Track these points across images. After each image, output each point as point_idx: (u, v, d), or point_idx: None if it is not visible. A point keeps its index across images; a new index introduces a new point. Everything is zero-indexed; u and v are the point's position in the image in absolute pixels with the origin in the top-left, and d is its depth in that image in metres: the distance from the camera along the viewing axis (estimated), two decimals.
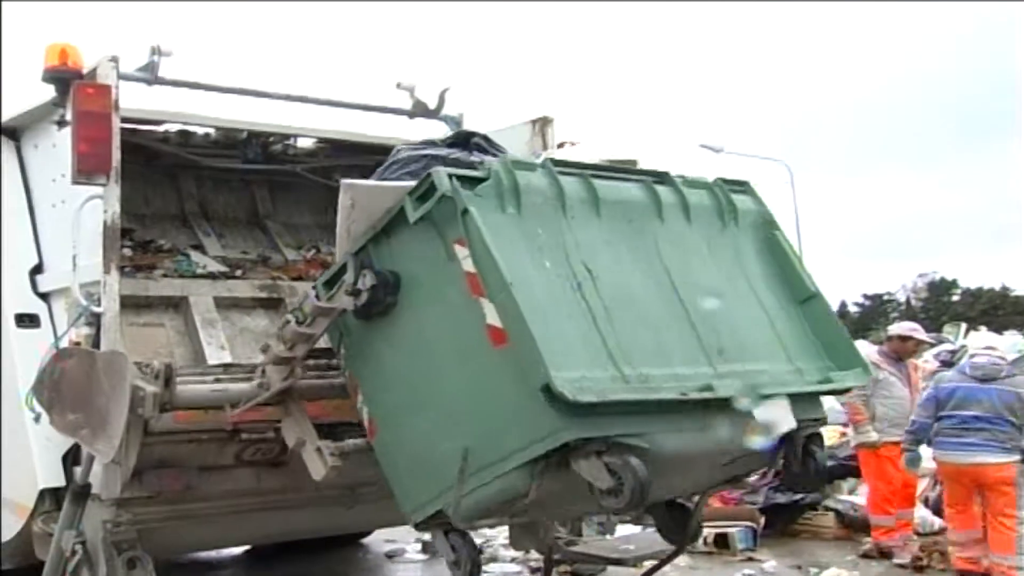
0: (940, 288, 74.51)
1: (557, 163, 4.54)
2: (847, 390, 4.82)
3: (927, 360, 12.85)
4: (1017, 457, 7.14)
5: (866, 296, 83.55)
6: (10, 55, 5.39)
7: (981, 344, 8.39)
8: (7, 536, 5.95)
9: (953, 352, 12.69)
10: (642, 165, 5.35)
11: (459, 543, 4.39)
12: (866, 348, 14.51)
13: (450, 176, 4.12)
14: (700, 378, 4.15)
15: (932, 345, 11.66)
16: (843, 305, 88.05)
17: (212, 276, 6.21)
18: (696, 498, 5.21)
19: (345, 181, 4.76)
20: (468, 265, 4.01)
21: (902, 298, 78.30)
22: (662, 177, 4.76)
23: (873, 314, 75.50)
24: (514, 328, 3.83)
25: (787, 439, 4.41)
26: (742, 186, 5.06)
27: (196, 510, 5.41)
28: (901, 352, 8.88)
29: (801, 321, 4.73)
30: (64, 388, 4.99)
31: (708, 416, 4.16)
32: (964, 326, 14.55)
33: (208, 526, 5.62)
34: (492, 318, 3.93)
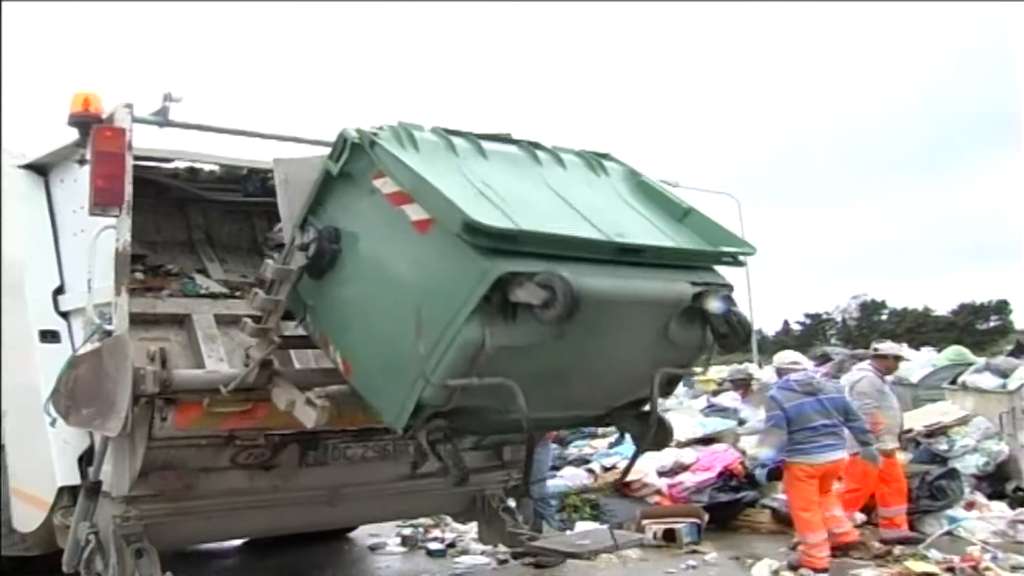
0: (871, 309, 74.80)
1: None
2: (739, 258, 4.77)
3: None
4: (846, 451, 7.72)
5: (807, 315, 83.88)
6: (44, 101, 5.41)
7: (787, 361, 8.38)
8: (32, 527, 5.94)
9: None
10: None
11: (446, 452, 4.26)
12: (806, 362, 14.76)
13: (356, 129, 4.39)
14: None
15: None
16: (786, 323, 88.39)
17: (213, 296, 6.22)
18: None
19: (276, 158, 5.12)
20: (387, 187, 4.26)
21: (838, 318, 78.66)
22: (535, 143, 4.94)
23: (813, 331, 75.82)
24: (434, 204, 4.02)
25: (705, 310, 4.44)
26: (605, 155, 5.21)
27: (196, 507, 5.41)
28: (891, 368, 9.27)
29: (687, 230, 4.74)
30: (77, 392, 5.05)
31: (623, 269, 4.27)
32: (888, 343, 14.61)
33: (207, 521, 5.60)
34: (415, 214, 4.13)
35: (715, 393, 14.94)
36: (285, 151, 6.47)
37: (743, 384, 13.19)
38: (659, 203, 4.93)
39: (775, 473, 8.35)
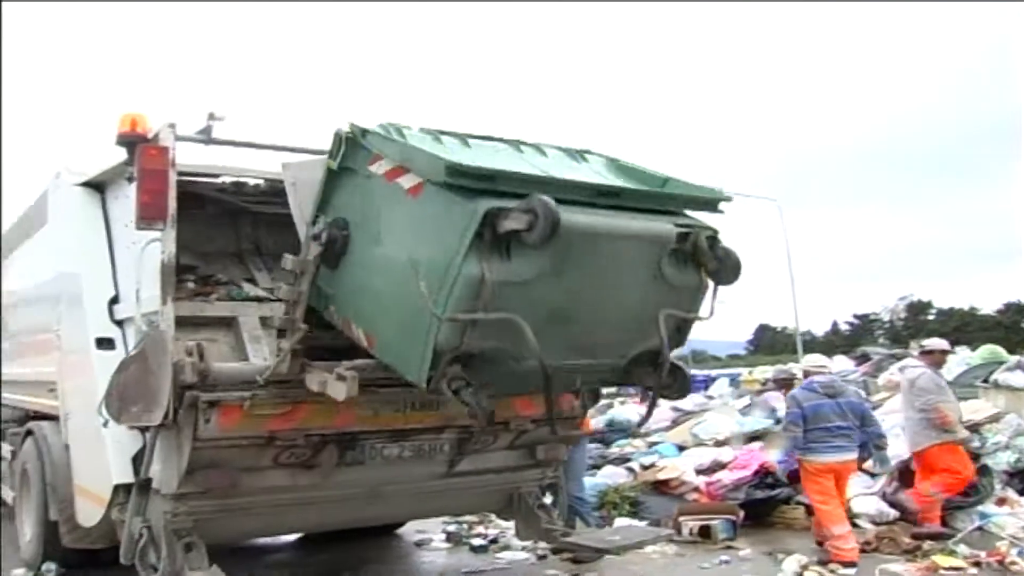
0: (917, 309, 73.68)
1: None
2: (717, 205, 4.90)
3: (892, 373, 12.79)
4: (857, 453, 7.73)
5: (855, 316, 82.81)
6: (106, 121, 5.53)
7: (815, 363, 8.33)
8: (93, 522, 6.11)
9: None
10: None
11: (469, 395, 4.26)
12: (844, 364, 14.55)
13: (348, 124, 4.72)
14: None
15: None
16: (835, 324, 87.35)
17: (259, 299, 6.29)
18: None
19: (283, 163, 5.40)
20: (382, 168, 4.54)
21: (885, 318, 77.57)
22: (519, 140, 5.16)
23: (861, 332, 74.80)
24: (421, 165, 4.30)
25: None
26: (587, 150, 5.40)
27: (241, 504, 5.48)
28: (940, 363, 9.15)
29: (666, 192, 4.96)
30: (126, 393, 5.17)
31: (604, 211, 4.44)
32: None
33: (252, 518, 5.67)
34: (408, 182, 4.39)
35: (759, 392, 14.74)
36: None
37: (786, 384, 13.01)
38: (639, 175, 5.16)
39: (794, 475, 8.24)
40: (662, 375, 4.78)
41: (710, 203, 4.90)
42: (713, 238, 4.74)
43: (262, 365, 5.13)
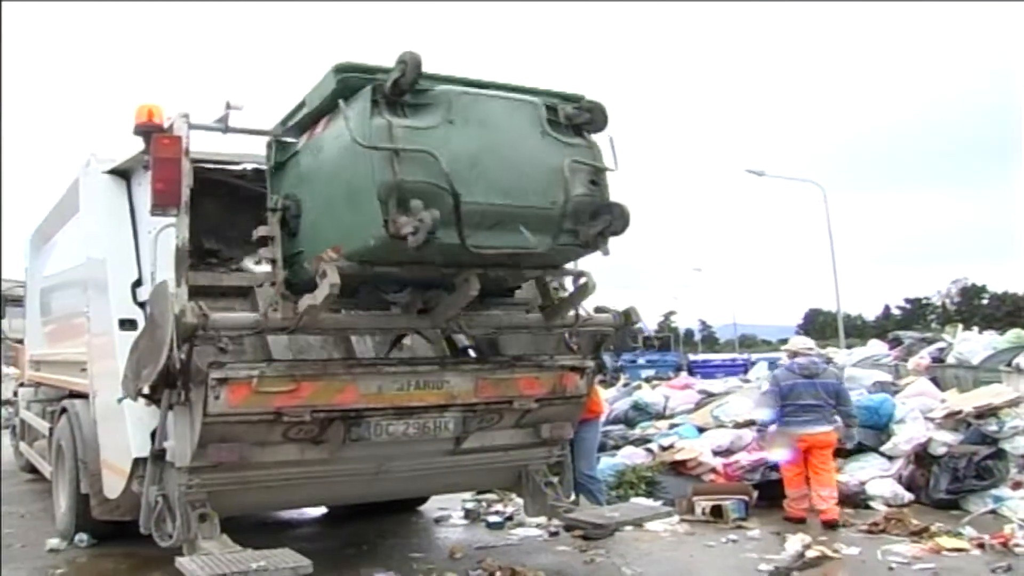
0: (971, 293, 72.46)
1: None
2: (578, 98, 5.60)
3: (922, 356, 12.81)
4: (832, 427, 8.53)
5: (907, 300, 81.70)
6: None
7: (802, 345, 9.12)
8: (117, 494, 6.47)
9: (941, 350, 12.64)
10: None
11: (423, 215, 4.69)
12: (878, 348, 14.54)
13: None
14: None
15: None
16: (887, 308, 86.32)
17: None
18: None
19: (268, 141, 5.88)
20: (303, 140, 5.49)
21: (938, 302, 76.45)
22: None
23: (913, 316, 73.85)
24: (320, 99, 5.20)
25: None
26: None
27: (253, 477, 5.73)
28: None
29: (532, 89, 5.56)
30: (140, 365, 5.45)
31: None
32: (960, 327, 14.32)
33: (265, 491, 5.92)
34: (320, 127, 5.33)
35: None
36: None
37: None
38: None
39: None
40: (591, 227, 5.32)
41: (571, 98, 5.56)
42: (578, 104, 5.50)
43: (258, 316, 5.39)
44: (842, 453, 9.19)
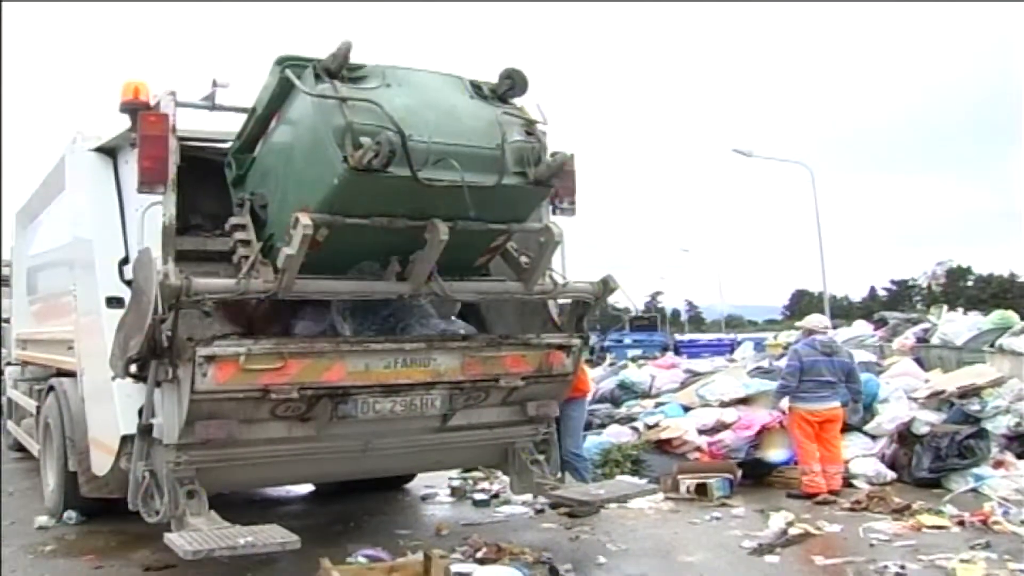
0: (956, 275, 72.81)
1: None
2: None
3: (907, 336, 12.88)
4: (843, 403, 8.83)
5: (893, 281, 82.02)
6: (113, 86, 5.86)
7: (819, 324, 9.51)
8: (105, 471, 6.49)
9: (926, 330, 12.72)
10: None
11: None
12: (863, 328, 14.62)
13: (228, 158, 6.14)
14: None
15: None
16: (872, 289, 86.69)
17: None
18: None
19: None
20: (261, 143, 5.88)
21: (924, 284, 76.79)
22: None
23: (899, 297, 74.18)
24: (268, 94, 5.68)
25: None
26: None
27: (241, 454, 5.76)
28: None
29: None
30: (128, 340, 5.45)
31: None
32: (945, 308, 14.41)
33: (252, 468, 5.96)
34: (275, 121, 5.73)
35: (779, 357, 14.89)
36: None
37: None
38: None
39: None
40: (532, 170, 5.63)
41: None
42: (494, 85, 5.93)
43: (233, 283, 5.40)
44: None
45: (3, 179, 12.31)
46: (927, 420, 9.37)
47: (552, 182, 5.80)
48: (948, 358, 11.37)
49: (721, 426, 9.97)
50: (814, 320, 9.60)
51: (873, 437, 9.48)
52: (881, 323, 15.10)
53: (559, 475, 7.07)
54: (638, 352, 29.18)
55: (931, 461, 8.86)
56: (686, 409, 10.69)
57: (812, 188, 32.97)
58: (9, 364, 12.16)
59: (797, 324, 9.53)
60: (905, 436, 9.38)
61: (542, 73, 6.01)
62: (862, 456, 9.22)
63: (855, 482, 8.89)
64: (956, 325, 12.01)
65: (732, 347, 29.33)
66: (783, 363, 11.83)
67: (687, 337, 51.87)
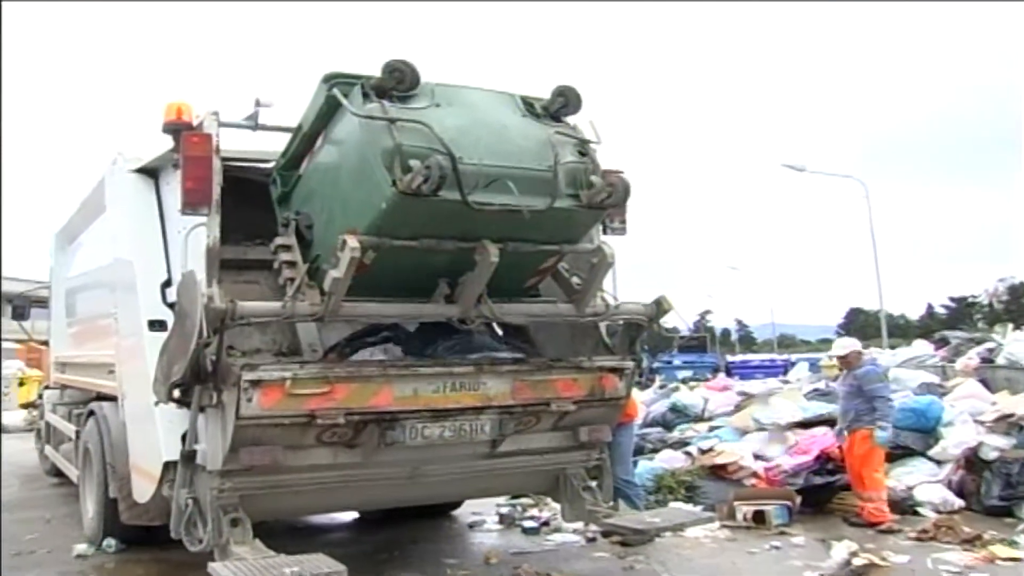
0: (1019, 292, 71.60)
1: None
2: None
3: (971, 356, 12.68)
4: None
5: (951, 299, 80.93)
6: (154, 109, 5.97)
7: (859, 347, 9.45)
8: (147, 498, 6.51)
9: (991, 350, 12.51)
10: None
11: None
12: (923, 348, 14.42)
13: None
14: None
15: None
16: (929, 307, 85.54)
17: None
18: None
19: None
20: (305, 163, 6.04)
21: (985, 301, 75.66)
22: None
23: (959, 315, 73.10)
24: (313, 113, 5.79)
25: None
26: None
27: (286, 482, 5.77)
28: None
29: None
30: (171, 364, 5.49)
31: None
32: (1011, 326, 14.19)
33: (297, 496, 5.97)
34: (320, 141, 5.86)
35: (835, 378, 14.74)
36: None
37: None
38: None
39: None
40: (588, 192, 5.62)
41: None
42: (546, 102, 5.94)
43: (282, 306, 5.44)
44: (889, 457, 9.16)
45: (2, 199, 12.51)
46: (996, 445, 9.18)
47: (607, 204, 5.75)
48: (1016, 379, 11.17)
49: (778, 451, 9.87)
50: (852, 344, 9.38)
51: (938, 462, 9.32)
52: (942, 343, 14.91)
53: (612, 502, 7.03)
54: (688, 374, 29.04)
55: (1001, 488, 8.69)
56: (741, 433, 10.61)
57: (866, 202, 32.72)
58: (47, 388, 12.33)
59: (843, 353, 9.09)
60: (972, 462, 9.21)
61: (588, 85, 5.98)
62: (927, 483, 9.06)
63: (921, 510, 8.73)
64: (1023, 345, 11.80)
65: (786, 368, 29.08)
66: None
67: (738, 358, 51.45)
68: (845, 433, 8.77)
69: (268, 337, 6.39)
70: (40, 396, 13.30)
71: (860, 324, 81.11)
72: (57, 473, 11.23)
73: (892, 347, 21.70)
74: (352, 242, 5.12)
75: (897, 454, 9.26)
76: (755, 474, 9.52)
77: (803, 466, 9.37)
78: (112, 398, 7.48)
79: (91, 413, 8.12)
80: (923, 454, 9.35)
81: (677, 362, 36.52)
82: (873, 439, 8.45)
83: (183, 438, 5.81)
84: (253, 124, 6.23)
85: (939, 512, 8.62)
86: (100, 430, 7.70)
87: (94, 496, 7.89)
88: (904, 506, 8.81)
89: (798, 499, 8.85)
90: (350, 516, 9.09)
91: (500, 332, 6.86)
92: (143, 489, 6.57)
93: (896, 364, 12.99)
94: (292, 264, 5.78)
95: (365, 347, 6.14)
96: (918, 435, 9.48)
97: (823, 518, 8.73)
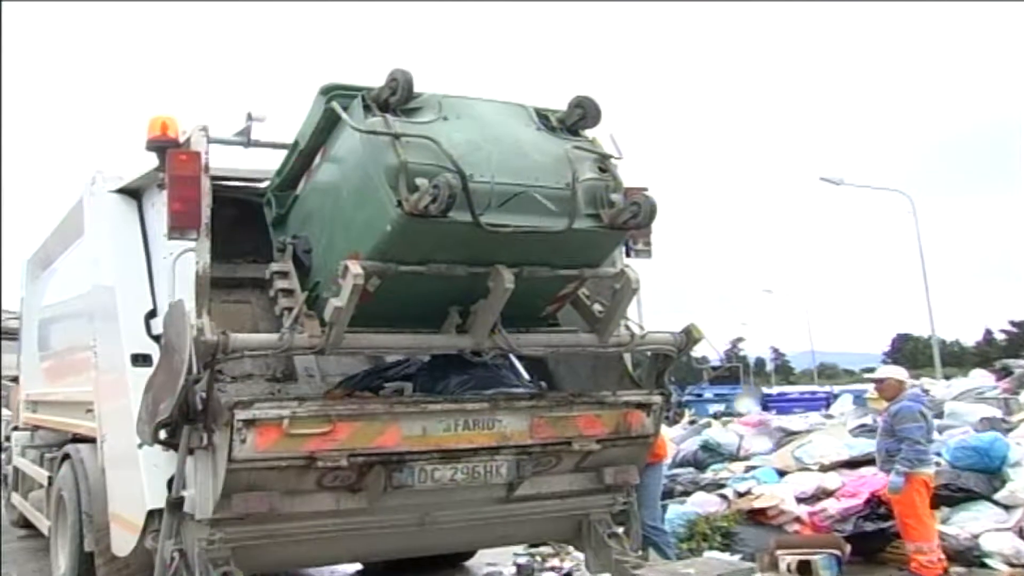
0: None
1: None
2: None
3: None
4: None
5: (1012, 323, 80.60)
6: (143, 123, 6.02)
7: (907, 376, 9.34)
8: (127, 552, 6.49)
9: None
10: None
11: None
12: (983, 379, 14.39)
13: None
14: None
15: None
16: (988, 332, 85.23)
17: None
18: None
19: None
20: (303, 183, 6.06)
21: None
22: None
23: (1021, 341, 72.73)
24: (310, 127, 5.84)
25: None
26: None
27: (283, 530, 5.76)
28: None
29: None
30: (157, 402, 5.50)
31: None
32: None
33: (296, 546, 5.95)
34: (319, 156, 5.90)
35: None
36: None
37: None
38: None
39: None
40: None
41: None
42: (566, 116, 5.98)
43: (279, 337, 5.43)
44: (950, 501, 9.13)
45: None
46: None
47: (631, 224, 5.77)
48: None
49: (823, 494, 9.87)
50: (901, 372, 9.32)
51: (1006, 507, 9.24)
52: (1004, 372, 14.90)
53: (640, 551, 7.02)
54: (721, 408, 28.97)
55: None
56: (781, 474, 10.60)
57: (913, 217, 32.71)
58: (16, 429, 12.31)
59: (880, 377, 9.01)
60: None
61: (608, 96, 6.03)
62: (995, 530, 8.98)
63: (989, 561, 8.67)
64: None
65: (828, 401, 28.97)
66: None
67: (775, 390, 51.28)
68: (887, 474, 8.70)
69: (261, 361, 6.44)
70: (7, 438, 13.28)
71: (909, 351, 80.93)
72: (25, 524, 11.21)
73: (947, 377, 21.67)
74: (355, 268, 5.14)
75: (958, 497, 9.21)
76: (799, 519, 9.51)
77: (852, 510, 9.36)
78: (90, 440, 7.48)
79: (66, 456, 8.14)
80: (988, 498, 9.30)
81: (708, 395, 36.44)
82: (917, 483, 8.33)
83: (169, 484, 5.80)
84: (245, 140, 6.29)
85: (1012, 565, 8.55)
86: (76, 475, 7.70)
87: (67, 550, 7.86)
88: (970, 556, 8.77)
89: (847, 548, 8.82)
90: (353, 568, 9.09)
91: (519, 366, 6.89)
92: (123, 541, 6.56)
93: (952, 397, 12.96)
94: (289, 292, 5.80)
95: (381, 384, 6.19)
96: (981, 476, 9.44)
97: (875, 569, 8.72)
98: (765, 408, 29.32)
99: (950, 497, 9.08)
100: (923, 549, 8.27)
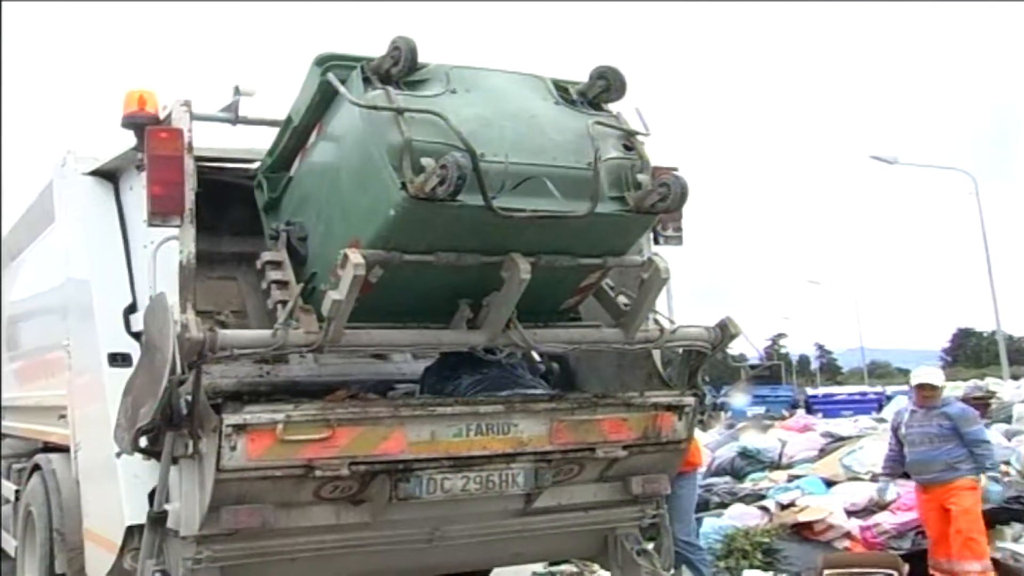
0: None
1: None
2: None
3: None
4: None
5: None
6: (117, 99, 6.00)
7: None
8: (102, 573, 6.47)
9: None
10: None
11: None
12: None
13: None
14: None
15: None
16: None
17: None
18: None
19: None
20: (296, 162, 6.08)
21: None
22: None
23: None
24: (304, 103, 5.82)
25: None
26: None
27: (278, 547, 5.78)
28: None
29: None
30: (136, 406, 5.50)
31: None
32: None
33: (291, 564, 5.96)
34: (314, 134, 5.89)
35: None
36: None
37: (981, 404, 12.99)
38: None
39: None
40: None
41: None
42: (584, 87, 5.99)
43: (272, 334, 5.44)
44: (1021, 516, 9.14)
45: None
46: None
47: (659, 208, 5.76)
48: None
49: (876, 506, 9.85)
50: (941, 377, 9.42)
51: None
52: None
53: (673, 569, 7.03)
54: (760, 410, 28.95)
55: None
56: (829, 484, 10.59)
57: (976, 199, 32.57)
58: None
59: (938, 384, 8.98)
60: None
61: (638, 70, 6.03)
62: None
63: None
64: None
65: (880, 403, 28.95)
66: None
67: (821, 391, 51.25)
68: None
69: None
70: None
71: (971, 349, 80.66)
72: None
73: (1015, 377, 21.61)
74: (355, 257, 5.14)
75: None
76: (849, 535, 9.53)
77: (909, 525, 9.35)
78: (63, 449, 7.50)
79: (36, 468, 8.14)
80: None
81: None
82: (982, 491, 8.40)
83: (151, 497, 5.81)
84: (232, 116, 6.32)
85: None
86: (47, 488, 7.69)
87: (36, 571, 7.87)
88: None
89: (905, 567, 8.80)
90: None
91: (539, 363, 6.90)
92: (99, 561, 6.56)
93: (1022, 399, 12.94)
94: (283, 284, 5.81)
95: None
96: None
97: None
98: (810, 411, 29.36)
99: (1022, 512, 9.06)
100: (989, 569, 8.27)
